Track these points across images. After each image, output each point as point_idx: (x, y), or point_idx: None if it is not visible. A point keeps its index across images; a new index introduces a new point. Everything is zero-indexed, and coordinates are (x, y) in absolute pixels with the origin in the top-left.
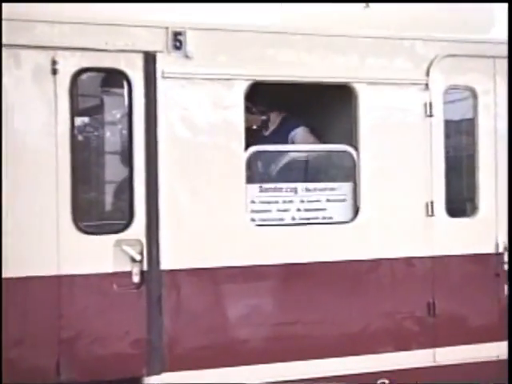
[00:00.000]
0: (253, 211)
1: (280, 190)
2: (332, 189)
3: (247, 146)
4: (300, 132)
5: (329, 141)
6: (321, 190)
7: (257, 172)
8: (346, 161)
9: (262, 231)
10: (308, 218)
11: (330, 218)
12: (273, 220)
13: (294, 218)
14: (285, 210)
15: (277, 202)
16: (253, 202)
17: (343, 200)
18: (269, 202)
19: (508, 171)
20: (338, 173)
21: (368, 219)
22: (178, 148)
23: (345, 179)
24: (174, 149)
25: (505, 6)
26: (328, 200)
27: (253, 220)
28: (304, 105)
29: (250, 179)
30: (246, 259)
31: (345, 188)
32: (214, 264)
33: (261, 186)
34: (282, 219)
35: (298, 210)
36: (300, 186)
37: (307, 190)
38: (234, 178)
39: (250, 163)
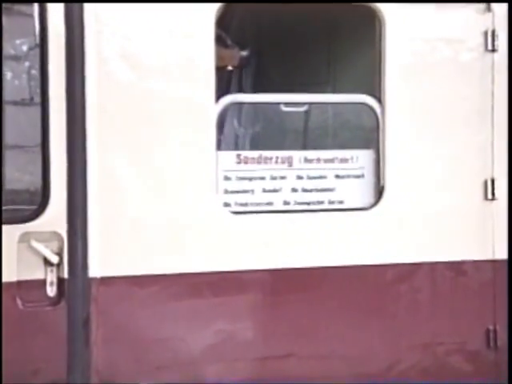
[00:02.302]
0: (227, 192)
1: (267, 160)
2: (343, 160)
3: (219, 96)
4: None
5: (339, 89)
6: (327, 161)
7: (233, 134)
8: (364, 118)
9: (241, 221)
10: (308, 203)
11: (341, 202)
12: (256, 205)
13: (287, 203)
14: (274, 191)
15: (262, 179)
16: (227, 178)
17: (360, 176)
18: (250, 179)
19: (508, 166)
20: (353, 136)
21: (397, 204)
22: (115, 98)
23: (362, 145)
24: (110, 99)
25: (505, 5)
26: (337, 176)
27: (227, 205)
28: (302, 37)
29: (222, 145)
30: (217, 262)
31: (362, 158)
32: (170, 269)
33: (239, 155)
34: (269, 203)
35: (294, 190)
36: (297, 154)
37: (307, 160)
38: (199, 143)
39: (224, 121)
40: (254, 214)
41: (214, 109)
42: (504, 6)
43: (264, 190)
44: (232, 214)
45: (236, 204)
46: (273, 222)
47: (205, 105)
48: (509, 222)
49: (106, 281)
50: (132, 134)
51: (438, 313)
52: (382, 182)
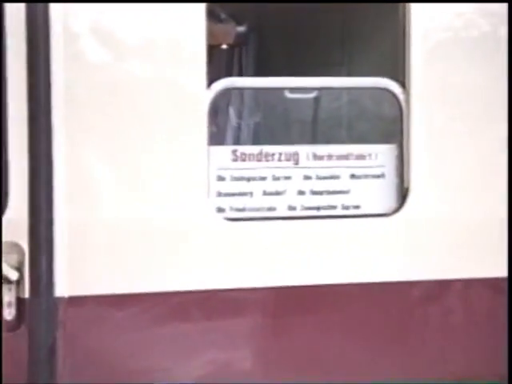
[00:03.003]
0: (220, 194)
1: (269, 157)
2: (360, 156)
3: (212, 80)
4: None
5: (355, 72)
6: (340, 157)
7: (229, 126)
8: (384, 107)
9: (237, 230)
10: (317, 208)
11: (357, 207)
12: (256, 210)
13: (292, 208)
14: (277, 193)
15: (263, 179)
16: (221, 178)
17: (380, 176)
18: (249, 179)
19: (508, 171)
20: (372, 128)
21: (424, 209)
22: (85, 83)
23: (383, 139)
24: (80, 84)
25: (505, 5)
26: (353, 176)
27: (220, 210)
28: (311, 10)
29: (216, 138)
30: (209, 279)
31: (383, 155)
32: (152, 287)
33: (235, 151)
34: (271, 209)
35: (301, 192)
36: (304, 150)
37: (316, 157)
38: (187, 137)
39: (217, 110)
40: (253, 222)
41: (206, 95)
42: None
43: (265, 193)
44: (226, 221)
45: (231, 209)
46: (276, 231)
47: (194, 91)
48: (509, 223)
49: (75, 301)
50: (106, 126)
51: (474, 341)
52: (406, 182)
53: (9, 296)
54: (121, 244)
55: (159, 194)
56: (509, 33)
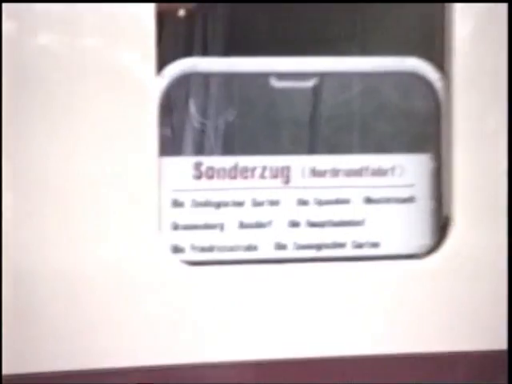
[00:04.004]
0: (177, 227)
1: (248, 173)
2: (379, 171)
3: (164, 62)
4: None
5: (371, 49)
6: (350, 173)
7: (188, 128)
8: (413, 99)
9: (202, 278)
10: (318, 246)
11: (375, 244)
12: (229, 250)
13: (281, 246)
14: (259, 226)
15: (239, 205)
16: (178, 203)
17: (407, 199)
18: (219, 205)
19: (508, 171)
20: (395, 130)
21: (473, 248)
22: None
23: (412, 147)
24: None
25: (505, 5)
26: (369, 200)
27: (177, 250)
28: None
29: (170, 146)
30: (163, 351)
31: (412, 169)
32: (83, 364)
33: (198, 165)
34: (251, 247)
35: (294, 224)
36: (299, 163)
37: (316, 173)
38: (130, 143)
39: (173, 105)
40: (225, 267)
41: (155, 84)
42: None
43: (242, 225)
44: (186, 266)
45: (193, 248)
46: (257, 281)
47: (137, 78)
48: (509, 225)
49: None
50: (23, 127)
51: None
52: (445, 208)
53: None
54: (41, 300)
55: (85, 228)
56: (509, 33)
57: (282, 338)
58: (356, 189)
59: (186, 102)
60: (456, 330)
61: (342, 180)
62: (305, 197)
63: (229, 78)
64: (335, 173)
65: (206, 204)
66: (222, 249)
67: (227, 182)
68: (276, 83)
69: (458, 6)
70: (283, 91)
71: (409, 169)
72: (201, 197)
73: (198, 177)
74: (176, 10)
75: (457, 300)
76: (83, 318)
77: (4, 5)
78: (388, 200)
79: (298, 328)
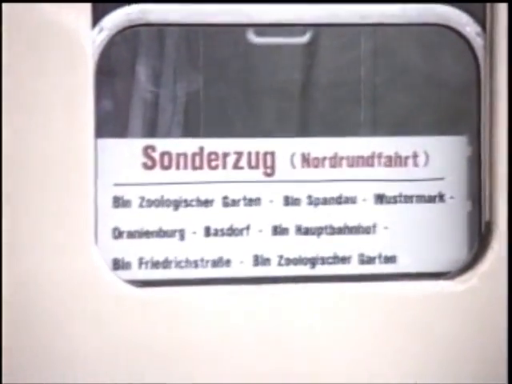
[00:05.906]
0: (122, 235)
1: (217, 161)
2: (395, 159)
3: (103, 13)
4: None
5: None
6: (356, 161)
7: (136, 100)
8: (445, 62)
9: (155, 304)
10: (313, 260)
11: (389, 258)
12: (192, 265)
13: (263, 260)
14: (233, 233)
15: (206, 204)
16: (122, 202)
17: (435, 198)
18: (177, 205)
19: (508, 171)
20: (418, 104)
21: None
22: None
23: (441, 126)
24: None
25: (505, 5)
26: (380, 198)
27: (121, 266)
28: None
29: (111, 124)
30: None
31: (441, 157)
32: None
33: (150, 148)
34: (222, 262)
35: (279, 231)
36: (286, 148)
37: (309, 161)
38: (56, 120)
39: (113, 69)
40: (185, 288)
41: (90, 39)
42: None
43: (209, 232)
44: (133, 288)
45: (142, 263)
46: (230, 306)
47: (67, 29)
48: (509, 223)
49: None
50: None
51: None
52: (487, 211)
53: None
54: None
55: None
56: (509, 33)
57: (264, 375)
58: (364, 183)
59: (133, 65)
60: (495, 366)
61: (344, 171)
62: (294, 194)
63: (191, 33)
64: (336, 162)
65: (161, 203)
66: (181, 264)
67: (189, 174)
68: (256, 39)
69: None
70: (265, 50)
71: (436, 157)
72: (153, 193)
73: (150, 166)
74: None
75: (499, 332)
76: None
77: (4, 5)
78: (407, 199)
79: (284, 368)
